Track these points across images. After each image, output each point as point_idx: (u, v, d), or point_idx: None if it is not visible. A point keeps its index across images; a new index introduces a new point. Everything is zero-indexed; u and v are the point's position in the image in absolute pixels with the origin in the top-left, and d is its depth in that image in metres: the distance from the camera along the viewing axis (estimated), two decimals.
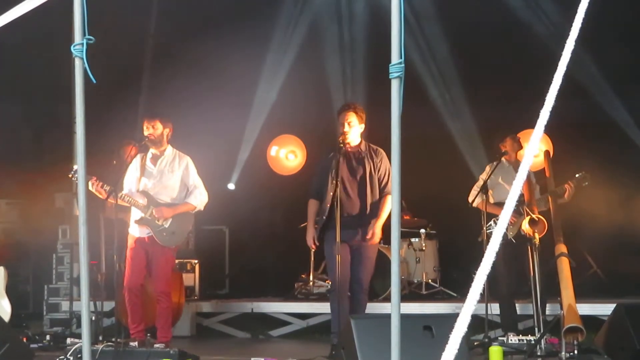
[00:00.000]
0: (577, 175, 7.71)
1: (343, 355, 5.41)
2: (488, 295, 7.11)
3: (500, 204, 7.49)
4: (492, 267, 2.21)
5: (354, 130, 6.85)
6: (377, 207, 6.80)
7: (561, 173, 8.00)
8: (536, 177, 7.96)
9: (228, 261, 10.68)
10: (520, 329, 7.68)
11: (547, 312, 7.30)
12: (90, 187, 6.74)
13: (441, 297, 9.28)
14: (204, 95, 9.83)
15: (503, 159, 7.86)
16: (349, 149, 6.88)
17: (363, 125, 6.90)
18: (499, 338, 7.12)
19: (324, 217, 6.83)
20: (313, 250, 7.67)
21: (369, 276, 6.89)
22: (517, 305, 7.79)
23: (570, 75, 2.47)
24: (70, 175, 7.28)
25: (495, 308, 7.67)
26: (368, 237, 6.74)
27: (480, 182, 7.75)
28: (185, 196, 7.27)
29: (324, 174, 6.90)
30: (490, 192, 7.61)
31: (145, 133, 7.18)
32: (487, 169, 7.85)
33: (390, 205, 6.66)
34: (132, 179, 7.26)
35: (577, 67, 8.01)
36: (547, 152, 8.20)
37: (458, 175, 9.55)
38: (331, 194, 6.70)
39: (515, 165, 7.83)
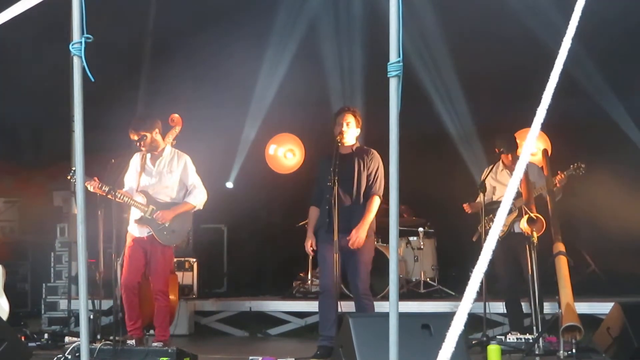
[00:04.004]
0: (571, 166, 7.65)
1: (341, 354, 5.40)
2: (486, 293, 7.11)
3: (490, 203, 7.58)
4: (491, 266, 2.22)
5: (351, 132, 6.84)
6: (363, 209, 6.71)
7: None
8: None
9: (226, 260, 10.66)
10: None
11: (546, 311, 7.29)
12: (89, 188, 6.71)
13: (439, 295, 9.27)
14: (202, 94, 9.82)
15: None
16: (342, 151, 6.83)
17: (359, 130, 6.90)
18: (497, 336, 7.12)
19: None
20: (311, 256, 7.74)
21: (365, 280, 6.75)
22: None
23: (567, 73, 2.47)
24: (68, 177, 7.24)
25: (493, 306, 7.68)
26: (350, 243, 6.59)
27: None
28: (185, 195, 7.26)
29: (321, 180, 6.87)
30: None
31: (135, 142, 7.13)
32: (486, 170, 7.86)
33: (376, 207, 6.76)
34: (132, 178, 7.25)
35: (574, 65, 8.01)
36: (545, 151, 8.20)
37: (456, 173, 9.57)
38: (327, 195, 6.68)
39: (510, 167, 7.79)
